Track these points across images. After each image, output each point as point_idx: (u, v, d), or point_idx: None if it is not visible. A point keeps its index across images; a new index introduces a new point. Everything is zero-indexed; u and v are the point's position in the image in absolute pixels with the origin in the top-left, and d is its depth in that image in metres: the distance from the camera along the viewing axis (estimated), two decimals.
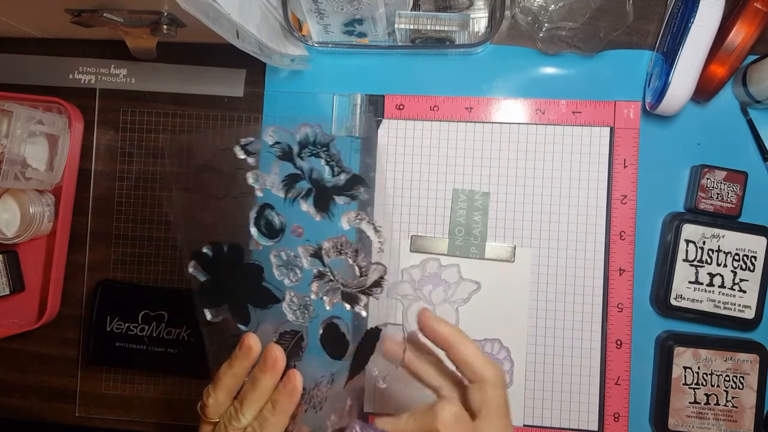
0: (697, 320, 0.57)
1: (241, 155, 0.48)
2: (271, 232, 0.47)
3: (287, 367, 0.42)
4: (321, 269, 0.46)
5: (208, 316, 0.47)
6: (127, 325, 0.61)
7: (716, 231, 0.56)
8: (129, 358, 0.61)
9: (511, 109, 0.60)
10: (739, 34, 0.53)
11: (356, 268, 0.45)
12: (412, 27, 0.55)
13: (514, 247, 0.59)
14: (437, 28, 0.55)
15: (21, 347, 0.64)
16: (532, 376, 0.58)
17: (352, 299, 0.45)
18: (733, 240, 0.56)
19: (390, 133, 0.61)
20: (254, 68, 0.62)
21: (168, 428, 0.62)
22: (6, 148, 0.55)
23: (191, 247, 0.48)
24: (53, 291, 0.61)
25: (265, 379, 0.43)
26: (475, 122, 0.60)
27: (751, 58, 0.56)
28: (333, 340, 0.45)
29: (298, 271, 0.47)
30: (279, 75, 0.62)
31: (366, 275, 0.45)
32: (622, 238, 0.58)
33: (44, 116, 0.59)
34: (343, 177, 0.47)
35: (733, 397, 0.56)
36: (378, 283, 0.45)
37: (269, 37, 0.53)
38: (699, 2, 0.51)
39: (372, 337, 0.44)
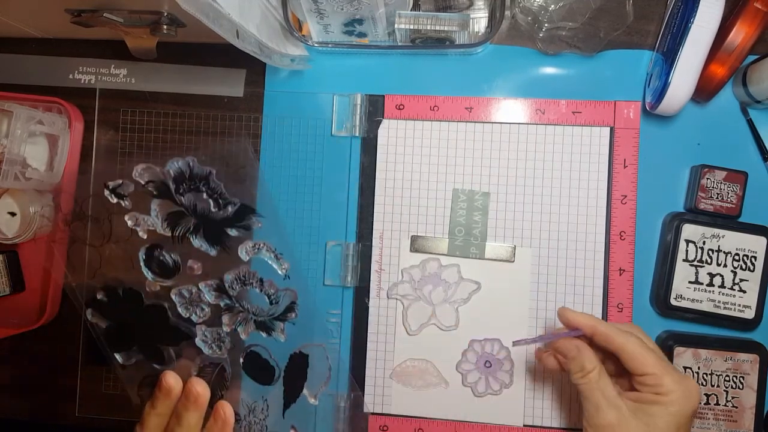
0: (697, 320, 0.57)
1: (113, 199, 0.47)
2: (165, 271, 0.46)
3: (214, 399, 0.42)
4: (228, 303, 0.45)
5: (120, 360, 0.46)
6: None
7: (716, 231, 0.56)
8: None
9: (511, 109, 0.60)
10: (739, 34, 0.53)
11: (265, 296, 0.45)
12: (412, 27, 0.55)
13: (514, 247, 0.59)
14: (437, 28, 0.55)
15: (21, 347, 0.64)
16: (533, 376, 0.58)
17: (267, 327, 0.45)
18: (733, 240, 0.56)
19: (390, 133, 0.61)
20: (254, 68, 0.62)
21: None
22: (6, 148, 0.55)
23: (85, 294, 0.47)
24: (53, 291, 0.61)
25: (190, 416, 0.42)
26: (475, 122, 0.60)
27: (751, 58, 0.56)
28: (257, 367, 0.45)
29: (204, 307, 0.46)
30: (279, 75, 0.62)
31: (277, 302, 0.45)
32: (622, 238, 0.58)
33: (44, 116, 0.59)
34: (230, 209, 0.46)
35: (733, 397, 0.56)
36: (291, 308, 0.45)
37: (269, 37, 0.53)
38: (699, 2, 0.51)
39: (300, 363, 0.43)
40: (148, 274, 0.46)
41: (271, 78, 0.62)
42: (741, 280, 0.56)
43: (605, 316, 0.58)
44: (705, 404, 0.56)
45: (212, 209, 0.45)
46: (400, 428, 0.59)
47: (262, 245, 0.46)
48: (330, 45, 0.59)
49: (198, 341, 0.46)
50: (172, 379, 0.43)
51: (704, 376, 0.56)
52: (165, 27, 0.50)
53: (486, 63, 0.61)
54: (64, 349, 0.63)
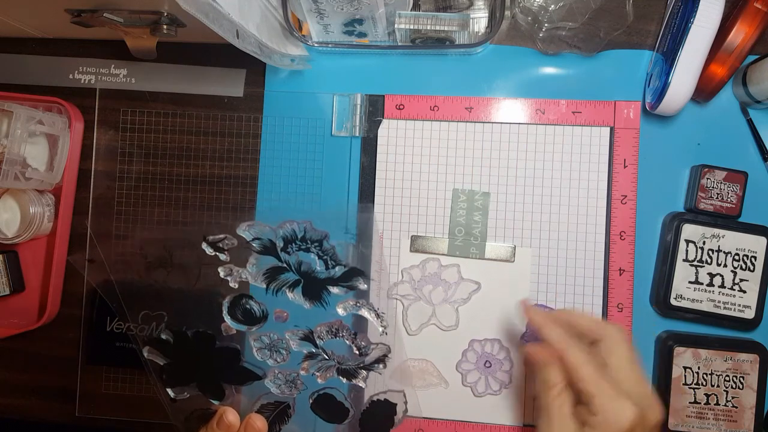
0: (697, 320, 0.57)
1: (210, 252, 0.48)
2: (250, 319, 0.48)
3: None
4: (313, 350, 0.46)
5: (171, 395, 0.47)
6: (127, 325, 0.61)
7: (716, 231, 0.56)
8: (129, 358, 0.61)
9: (511, 109, 0.60)
10: (739, 34, 0.53)
11: (354, 348, 0.46)
12: (412, 27, 0.55)
13: (514, 247, 0.59)
14: (437, 28, 0.55)
15: (21, 347, 0.64)
16: (533, 376, 0.58)
17: (350, 374, 0.45)
18: (733, 240, 0.56)
19: (390, 133, 0.61)
20: (254, 68, 0.62)
21: (168, 428, 0.62)
22: (6, 148, 0.55)
23: (143, 333, 0.47)
24: (53, 291, 0.61)
25: None
26: (475, 122, 0.60)
27: (751, 58, 0.56)
28: (329, 408, 0.46)
29: (284, 352, 0.47)
30: (279, 75, 0.62)
31: (366, 354, 0.46)
32: (622, 238, 0.58)
33: (44, 116, 0.59)
34: (338, 270, 0.48)
35: (733, 397, 0.56)
36: (381, 360, 0.46)
37: (269, 37, 0.53)
38: (699, 2, 0.51)
39: (387, 410, 0.43)
40: (230, 321, 0.48)
41: (271, 78, 0.62)
42: (741, 280, 0.56)
43: (605, 316, 0.58)
44: (705, 404, 0.56)
45: (317, 268, 0.48)
46: (400, 428, 0.59)
47: (363, 303, 0.48)
48: (330, 45, 0.59)
49: (267, 382, 0.47)
50: (232, 416, 0.44)
51: (704, 376, 0.56)
52: (165, 27, 0.50)
53: (486, 63, 0.61)
54: (64, 349, 0.63)
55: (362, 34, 0.58)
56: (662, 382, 0.56)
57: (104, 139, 0.63)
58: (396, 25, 0.55)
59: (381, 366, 0.46)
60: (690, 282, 0.56)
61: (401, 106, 0.61)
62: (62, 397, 0.63)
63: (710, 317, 0.56)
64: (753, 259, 0.56)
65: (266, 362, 0.47)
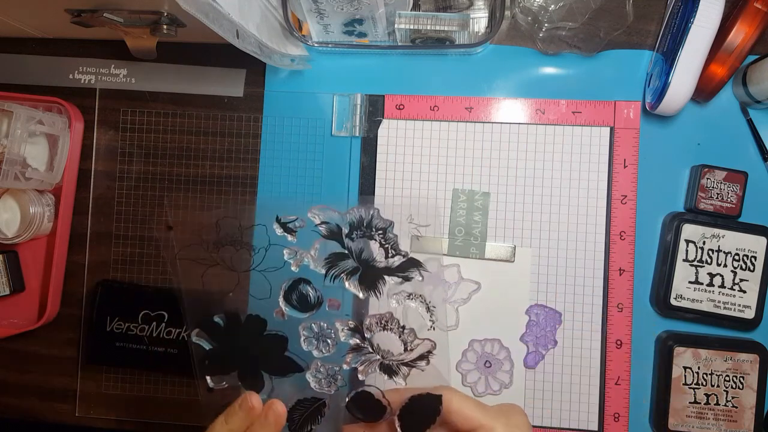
0: (697, 320, 0.57)
1: (280, 232, 0.48)
2: (304, 306, 0.48)
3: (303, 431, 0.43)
4: (359, 342, 0.46)
5: (210, 384, 0.46)
6: (127, 325, 0.61)
7: (716, 231, 0.56)
8: (129, 358, 0.61)
9: (511, 109, 0.60)
10: (739, 34, 0.53)
11: (401, 343, 0.46)
12: (412, 27, 0.55)
13: (514, 247, 0.59)
14: (437, 28, 0.55)
15: (21, 347, 0.64)
16: (532, 375, 0.58)
17: (392, 371, 0.45)
18: (733, 240, 0.56)
19: (390, 133, 0.61)
20: (254, 68, 0.62)
21: (168, 428, 0.62)
22: (6, 148, 0.55)
23: (195, 315, 0.47)
24: (53, 291, 0.61)
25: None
26: (475, 122, 0.60)
27: (751, 58, 0.56)
28: (366, 406, 0.44)
29: (330, 342, 0.47)
30: (279, 75, 0.62)
31: (411, 350, 0.45)
32: (622, 238, 0.58)
33: (44, 116, 0.59)
34: (397, 260, 0.47)
35: (733, 397, 0.56)
36: (424, 357, 0.45)
37: (269, 37, 0.53)
38: (699, 2, 0.51)
39: (430, 403, 0.42)
40: (285, 306, 0.47)
41: (271, 78, 0.62)
42: (741, 280, 0.56)
43: (605, 316, 0.58)
44: (705, 404, 0.56)
45: (377, 257, 0.47)
46: None
47: (415, 295, 0.48)
48: (330, 45, 0.59)
49: (308, 375, 0.47)
50: (256, 400, 0.43)
51: (704, 376, 0.56)
52: (165, 27, 0.50)
53: (486, 63, 0.61)
54: (63, 349, 0.63)
55: (362, 34, 0.58)
56: (662, 382, 0.56)
57: (104, 139, 0.63)
58: (396, 25, 0.55)
59: (424, 363, 0.46)
60: (690, 282, 0.56)
61: (401, 106, 0.61)
62: (62, 397, 0.63)
63: (710, 317, 0.56)
64: (753, 259, 0.56)
65: (311, 353, 0.47)
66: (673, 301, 0.56)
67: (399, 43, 0.58)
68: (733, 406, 0.56)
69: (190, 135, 0.62)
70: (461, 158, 0.60)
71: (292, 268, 0.48)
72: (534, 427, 0.58)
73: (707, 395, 0.56)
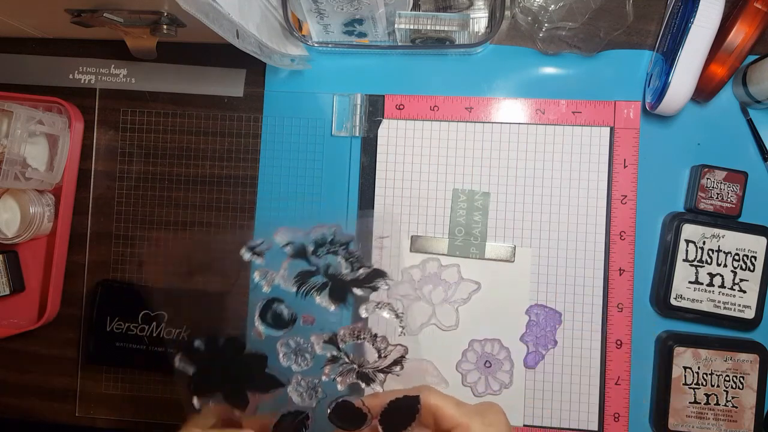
0: (697, 320, 0.57)
1: (248, 257, 0.50)
2: (279, 323, 0.49)
3: None
4: (335, 353, 0.48)
5: (197, 406, 0.47)
6: (127, 325, 0.61)
7: (716, 231, 0.56)
8: (129, 358, 0.61)
9: (511, 109, 0.60)
10: (739, 34, 0.53)
11: (375, 350, 0.47)
12: (412, 27, 0.55)
13: (514, 247, 0.59)
14: (437, 28, 0.55)
15: (21, 347, 0.64)
16: (532, 375, 0.58)
17: (368, 378, 0.46)
18: (733, 240, 0.56)
19: (390, 133, 0.61)
20: (254, 68, 0.62)
21: (168, 428, 0.62)
22: (6, 148, 0.55)
23: (178, 342, 0.49)
24: (53, 291, 0.61)
25: None
26: (475, 122, 0.60)
27: (751, 58, 0.56)
28: (347, 416, 0.46)
29: (308, 357, 0.49)
30: (279, 75, 0.62)
31: (385, 356, 0.47)
32: (622, 238, 0.58)
33: (44, 116, 0.59)
34: (362, 271, 0.49)
35: (733, 397, 0.56)
36: (398, 362, 0.47)
37: (269, 37, 0.53)
38: (699, 2, 0.51)
39: (408, 404, 0.43)
40: (261, 326, 0.49)
41: (271, 78, 0.62)
42: (741, 280, 0.56)
43: (605, 316, 0.58)
44: (705, 404, 0.56)
45: (343, 271, 0.49)
46: None
47: (384, 304, 0.50)
48: (330, 45, 0.59)
49: (290, 389, 0.48)
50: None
51: (704, 376, 0.56)
52: (165, 27, 0.50)
53: (486, 63, 0.61)
54: (63, 349, 0.63)
55: (362, 34, 0.58)
56: (662, 382, 0.56)
57: (104, 139, 0.63)
58: (396, 25, 0.55)
59: (398, 368, 0.47)
60: (690, 282, 0.56)
61: (401, 106, 0.61)
62: (62, 397, 0.63)
63: (710, 317, 0.56)
64: (753, 259, 0.56)
65: (290, 368, 0.49)
66: (673, 301, 0.56)
67: (399, 43, 0.58)
68: (733, 406, 0.56)
69: (190, 135, 0.62)
70: (461, 158, 0.60)
71: (264, 289, 0.49)
72: (534, 427, 0.58)
73: (707, 395, 0.56)
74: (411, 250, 0.60)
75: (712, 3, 0.51)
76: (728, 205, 0.56)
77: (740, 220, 0.56)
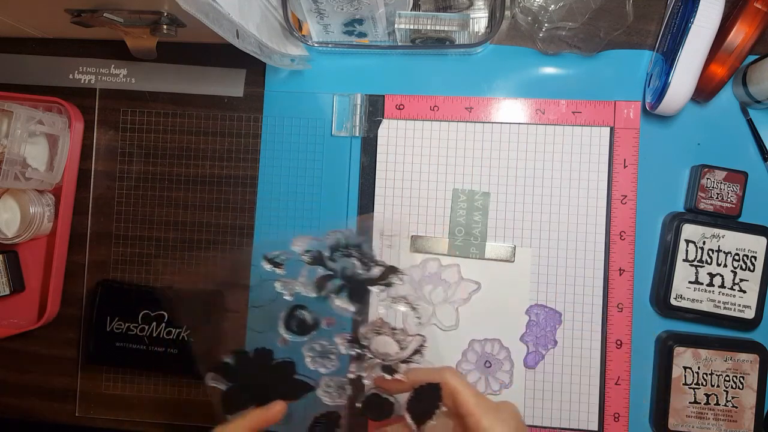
0: (697, 320, 0.57)
1: (268, 267, 0.51)
2: (304, 329, 0.51)
3: None
4: (359, 351, 0.49)
5: (228, 417, 0.48)
6: (127, 325, 0.61)
7: (716, 231, 0.56)
8: (129, 358, 0.61)
9: (511, 109, 0.60)
10: (739, 34, 0.53)
11: (395, 343, 0.49)
12: (412, 27, 0.55)
13: (514, 247, 0.59)
14: (437, 28, 0.55)
15: (21, 347, 0.64)
16: (532, 375, 0.58)
17: (392, 370, 0.48)
18: (733, 240, 0.56)
19: (390, 133, 0.61)
20: (254, 68, 0.62)
21: (168, 428, 0.62)
22: (6, 148, 0.55)
23: (208, 359, 0.50)
24: (53, 291, 0.61)
25: None
26: (475, 122, 0.60)
27: (751, 58, 0.56)
28: (377, 407, 0.48)
29: (333, 357, 0.50)
30: (279, 75, 0.62)
31: (405, 347, 0.48)
32: (622, 238, 0.58)
33: (44, 116, 0.59)
34: (376, 270, 0.51)
35: (733, 397, 0.56)
36: (418, 351, 0.48)
37: (269, 37, 0.53)
38: (699, 2, 0.51)
39: (433, 391, 0.45)
40: (285, 333, 0.51)
41: (271, 78, 0.62)
42: (741, 280, 0.56)
43: (605, 316, 0.58)
44: (705, 404, 0.56)
45: (359, 271, 0.51)
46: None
47: (400, 298, 0.51)
48: (330, 45, 0.59)
49: (319, 392, 0.50)
50: (281, 408, 0.46)
51: (704, 376, 0.56)
52: (165, 27, 0.50)
53: (486, 63, 0.61)
54: (63, 349, 0.63)
55: (362, 34, 0.58)
56: (662, 382, 0.56)
57: (104, 139, 0.63)
58: (396, 25, 0.55)
59: (419, 356, 0.48)
60: (690, 282, 0.56)
61: (401, 106, 0.61)
62: (62, 397, 0.63)
63: (710, 317, 0.56)
64: (753, 259, 0.56)
65: (318, 371, 0.50)
66: (673, 301, 0.56)
67: (399, 43, 0.58)
68: (733, 406, 0.56)
69: (190, 135, 0.62)
70: (461, 158, 0.60)
71: (286, 297, 0.51)
72: (534, 427, 0.58)
73: (707, 395, 0.56)
74: (411, 250, 0.60)
75: (712, 3, 0.51)
76: (728, 205, 0.56)
77: (740, 220, 0.56)
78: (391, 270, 0.51)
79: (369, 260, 0.51)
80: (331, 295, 0.50)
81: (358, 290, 0.50)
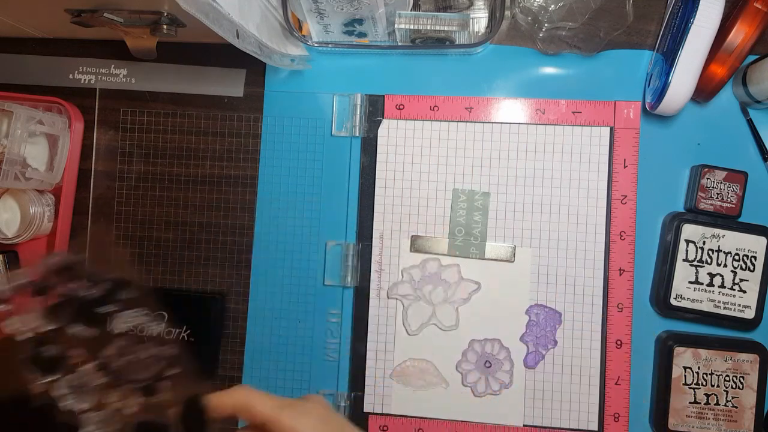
0: (697, 320, 0.57)
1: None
2: (54, 366, 0.45)
3: None
4: (113, 378, 0.45)
5: None
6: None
7: (716, 231, 0.56)
8: None
9: (511, 109, 0.60)
10: (739, 34, 0.53)
11: (149, 359, 0.45)
12: (412, 27, 0.55)
13: (514, 247, 0.59)
14: (437, 28, 0.55)
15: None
16: (532, 375, 0.58)
17: (152, 390, 0.44)
18: (733, 240, 0.56)
19: (390, 133, 0.61)
20: (254, 68, 0.62)
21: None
22: (6, 148, 0.55)
23: None
24: None
25: None
26: (475, 122, 0.60)
27: (751, 58, 0.56)
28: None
29: (91, 390, 0.45)
30: (279, 75, 0.62)
31: (160, 363, 0.45)
32: (622, 238, 0.58)
33: (44, 116, 0.59)
34: (103, 287, 0.46)
35: (733, 397, 0.56)
36: (174, 363, 0.45)
37: (269, 37, 0.53)
38: (699, 2, 0.51)
39: (195, 405, 0.42)
40: (37, 372, 0.45)
41: (271, 78, 0.62)
42: (741, 280, 0.56)
43: (605, 316, 0.58)
44: (705, 404, 0.56)
45: (85, 293, 0.45)
46: (400, 428, 0.59)
47: (137, 313, 0.46)
48: (330, 45, 0.59)
49: (86, 430, 0.44)
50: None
51: (704, 376, 0.56)
52: (165, 27, 0.50)
53: (486, 63, 0.61)
54: None
55: (362, 34, 0.58)
56: (662, 382, 0.56)
57: (104, 139, 0.63)
58: (396, 25, 0.55)
59: (174, 369, 0.45)
60: (690, 282, 0.56)
61: (401, 106, 0.61)
62: None
63: (710, 317, 0.56)
64: (753, 259, 0.56)
65: (81, 407, 0.44)
66: (673, 301, 0.56)
67: (399, 43, 0.58)
68: (733, 406, 0.56)
69: (190, 135, 0.62)
70: (461, 158, 0.60)
71: (19, 338, 0.45)
72: (534, 427, 0.58)
73: (707, 395, 0.56)
74: (411, 250, 0.60)
75: (712, 3, 0.51)
76: (728, 205, 0.56)
77: (740, 220, 0.56)
78: (119, 284, 0.46)
79: (89, 279, 0.46)
80: (66, 325, 0.45)
81: (89, 313, 0.45)
